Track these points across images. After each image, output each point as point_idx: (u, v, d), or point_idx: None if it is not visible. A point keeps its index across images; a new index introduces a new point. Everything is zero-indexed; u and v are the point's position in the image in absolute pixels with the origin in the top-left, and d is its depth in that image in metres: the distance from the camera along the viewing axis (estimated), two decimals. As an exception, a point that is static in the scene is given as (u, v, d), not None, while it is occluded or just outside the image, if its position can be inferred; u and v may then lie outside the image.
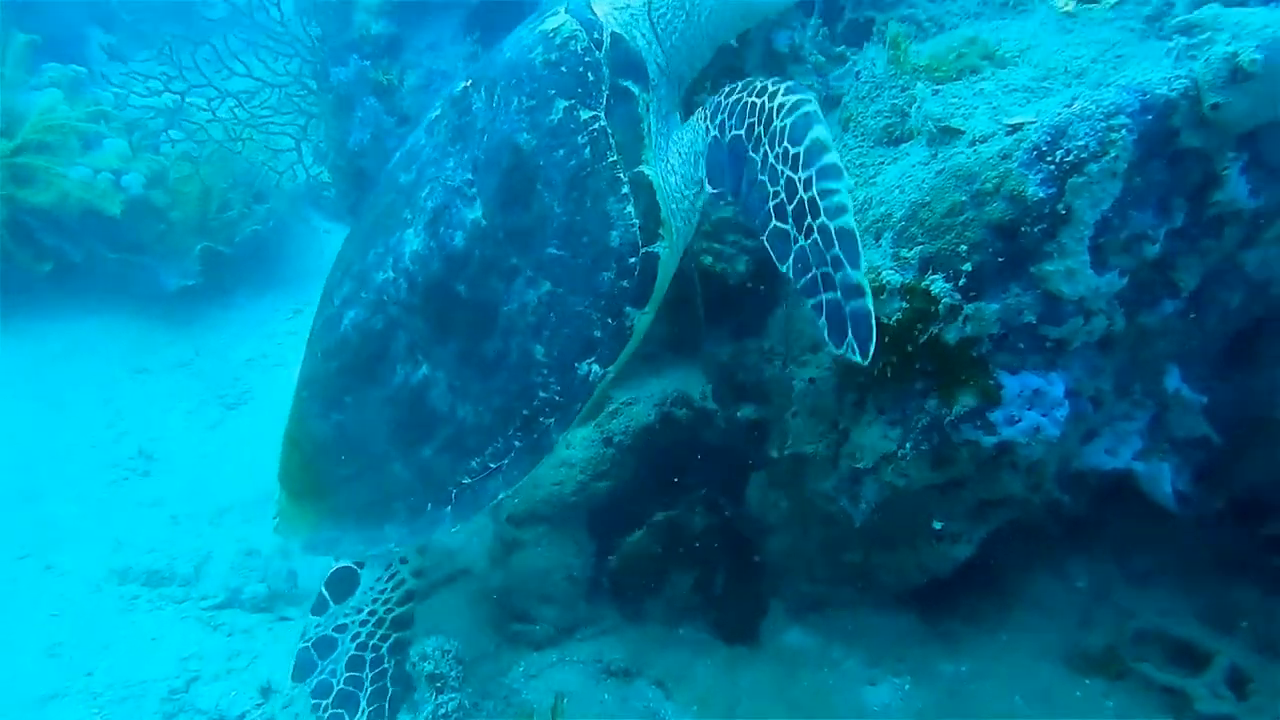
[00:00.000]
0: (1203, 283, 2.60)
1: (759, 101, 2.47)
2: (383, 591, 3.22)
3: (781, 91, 2.42)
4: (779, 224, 2.38)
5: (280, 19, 5.43)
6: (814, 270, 2.30)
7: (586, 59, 2.66)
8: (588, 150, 2.60)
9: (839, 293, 2.23)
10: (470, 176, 2.71)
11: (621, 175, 2.59)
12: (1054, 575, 3.39)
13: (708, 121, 2.63)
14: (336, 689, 3.16)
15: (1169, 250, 2.44)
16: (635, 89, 2.68)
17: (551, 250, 2.61)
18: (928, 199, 2.47)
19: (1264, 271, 2.67)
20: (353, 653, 3.20)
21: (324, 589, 3.22)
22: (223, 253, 6.11)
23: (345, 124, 4.96)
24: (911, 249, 2.45)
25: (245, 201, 6.26)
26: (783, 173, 2.36)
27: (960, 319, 2.39)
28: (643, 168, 2.60)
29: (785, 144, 2.38)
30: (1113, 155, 2.21)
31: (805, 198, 2.31)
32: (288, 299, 6.31)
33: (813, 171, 2.30)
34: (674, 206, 2.63)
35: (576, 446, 3.46)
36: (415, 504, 2.87)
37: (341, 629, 3.21)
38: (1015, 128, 2.44)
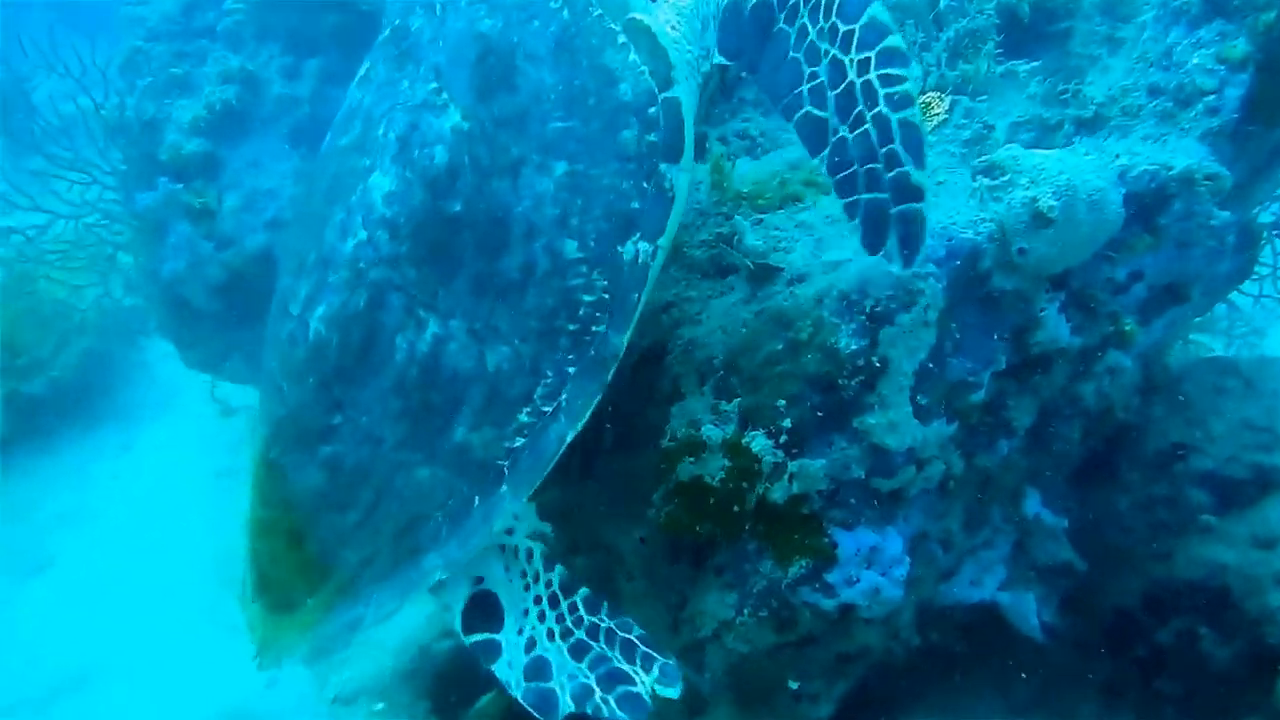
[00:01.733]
0: (1040, 417, 2.52)
1: None
2: (524, 575, 2.46)
3: None
4: (815, 110, 2.14)
5: (71, 146, 5.16)
6: (857, 166, 2.07)
7: None
8: (565, 11, 2.29)
9: (888, 193, 2.01)
10: (434, 85, 2.33)
11: (613, 25, 2.27)
12: (932, 716, 3.21)
13: None
14: (595, 676, 2.30)
15: (998, 391, 2.35)
16: None
17: (555, 124, 2.24)
18: (747, 345, 2.34)
19: (1102, 402, 2.61)
20: (567, 644, 2.38)
21: (468, 641, 2.41)
22: (32, 395, 5.64)
23: (158, 252, 4.61)
24: (731, 400, 2.30)
25: (56, 339, 5.83)
26: (827, 53, 2.13)
27: (785, 477, 2.23)
28: (633, 13, 2.28)
29: (834, 19, 2.14)
30: (922, 305, 2.12)
31: (858, 82, 2.08)
32: (116, 435, 5.88)
33: (872, 54, 2.07)
34: (679, 58, 2.28)
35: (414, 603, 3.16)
36: (456, 507, 2.29)
37: (531, 645, 2.40)
38: (832, 266, 2.34)
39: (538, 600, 2.44)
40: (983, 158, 2.32)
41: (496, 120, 2.26)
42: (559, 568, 2.45)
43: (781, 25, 2.23)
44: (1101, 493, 3.20)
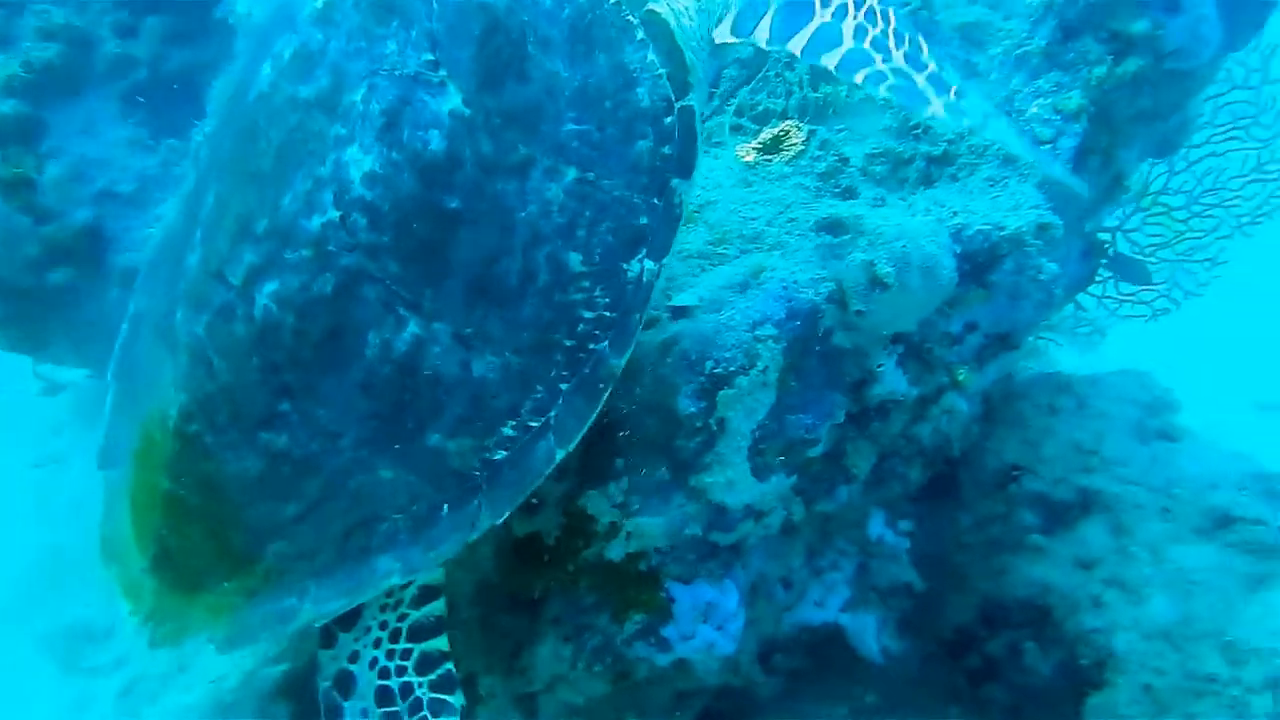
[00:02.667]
0: (880, 459, 2.55)
1: None
2: (390, 595, 2.34)
3: None
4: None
5: None
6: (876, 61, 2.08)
7: None
8: None
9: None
10: (430, 57, 2.06)
11: (631, 16, 2.10)
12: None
13: None
14: None
15: (837, 440, 2.35)
16: None
17: (569, 125, 2.07)
18: None
19: (937, 439, 2.66)
20: (377, 683, 2.35)
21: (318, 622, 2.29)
22: None
23: (-42, 229, 4.10)
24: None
25: None
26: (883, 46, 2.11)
27: (623, 535, 2.19)
28: (651, 4, 2.12)
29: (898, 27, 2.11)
30: (761, 367, 2.09)
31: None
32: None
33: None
34: (695, 60, 2.17)
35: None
36: (421, 513, 2.12)
37: (355, 658, 2.37)
38: (678, 312, 2.29)
39: (383, 626, 2.36)
40: (829, 212, 2.30)
41: (504, 113, 2.05)
42: (429, 609, 2.32)
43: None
44: (946, 510, 3.31)
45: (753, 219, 2.57)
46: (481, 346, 2.07)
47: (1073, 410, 3.34)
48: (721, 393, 2.09)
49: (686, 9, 2.20)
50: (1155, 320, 4.76)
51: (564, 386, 2.09)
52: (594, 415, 2.10)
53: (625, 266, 2.09)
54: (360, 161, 2.05)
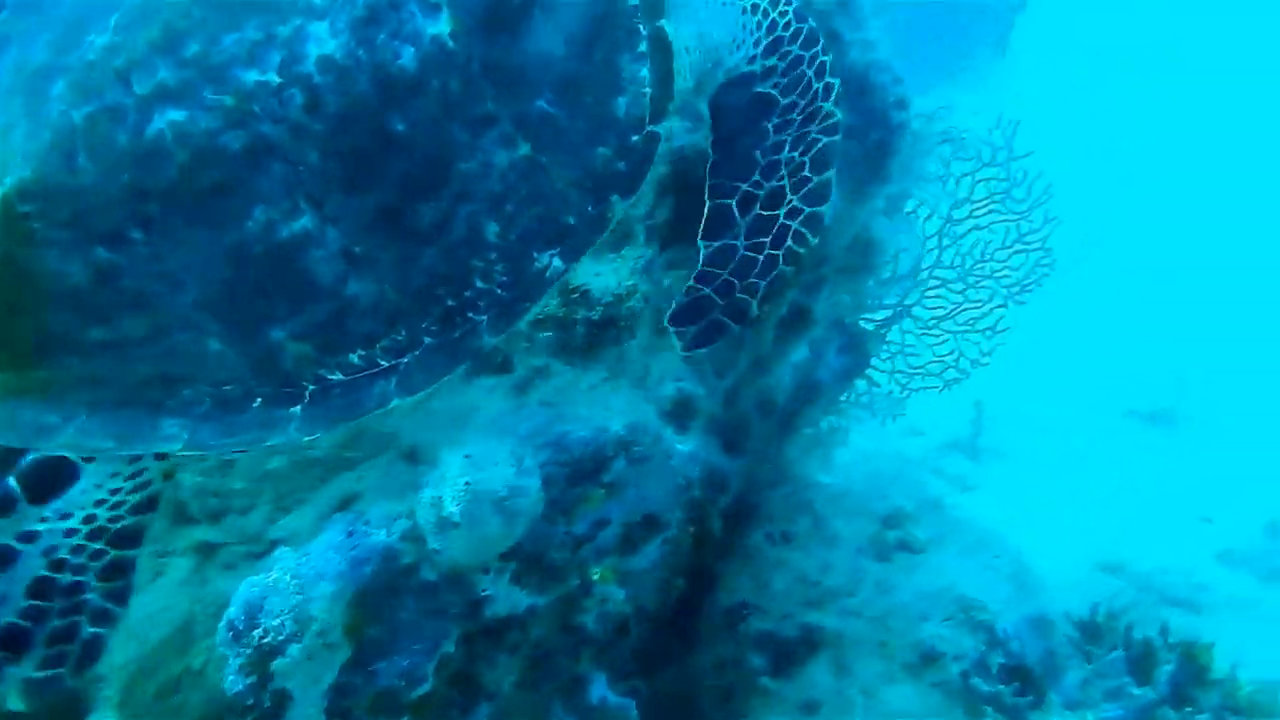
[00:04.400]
0: (543, 655, 2.47)
1: (809, 76, 2.33)
2: (115, 492, 2.15)
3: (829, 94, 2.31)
4: (730, 205, 2.31)
5: None
6: (725, 273, 2.30)
7: None
8: None
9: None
10: None
11: (641, 27, 2.10)
12: None
13: (758, 31, 2.34)
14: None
15: (465, 657, 2.26)
16: None
17: (542, 104, 2.06)
18: (149, 664, 2.15)
19: (606, 622, 2.59)
20: (41, 573, 2.12)
21: (12, 479, 2.12)
22: None
23: None
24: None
25: None
26: (780, 177, 2.32)
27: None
28: (664, 23, 2.13)
29: (805, 158, 2.31)
30: (317, 629, 1.99)
31: (781, 223, 2.31)
32: None
33: (798, 202, 2.29)
34: (681, 88, 2.23)
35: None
36: (233, 396, 2.00)
37: (31, 537, 2.12)
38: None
39: (89, 520, 2.15)
40: (412, 441, 2.22)
41: (486, 62, 2.01)
42: (144, 518, 2.16)
43: (768, 125, 2.32)
44: (683, 654, 3.24)
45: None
46: (365, 269, 2.00)
47: (807, 534, 3.30)
48: (275, 662, 2.00)
49: (689, 42, 2.24)
50: (949, 389, 4.76)
51: (428, 340, 2.06)
52: (443, 379, 2.06)
53: (536, 255, 2.10)
54: (323, 42, 1.96)
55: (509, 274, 2.09)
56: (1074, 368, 8.63)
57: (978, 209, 4.33)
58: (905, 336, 4.49)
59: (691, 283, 2.38)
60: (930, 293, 4.43)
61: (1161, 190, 12.91)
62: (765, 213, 2.32)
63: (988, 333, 4.51)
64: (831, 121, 2.31)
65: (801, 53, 2.37)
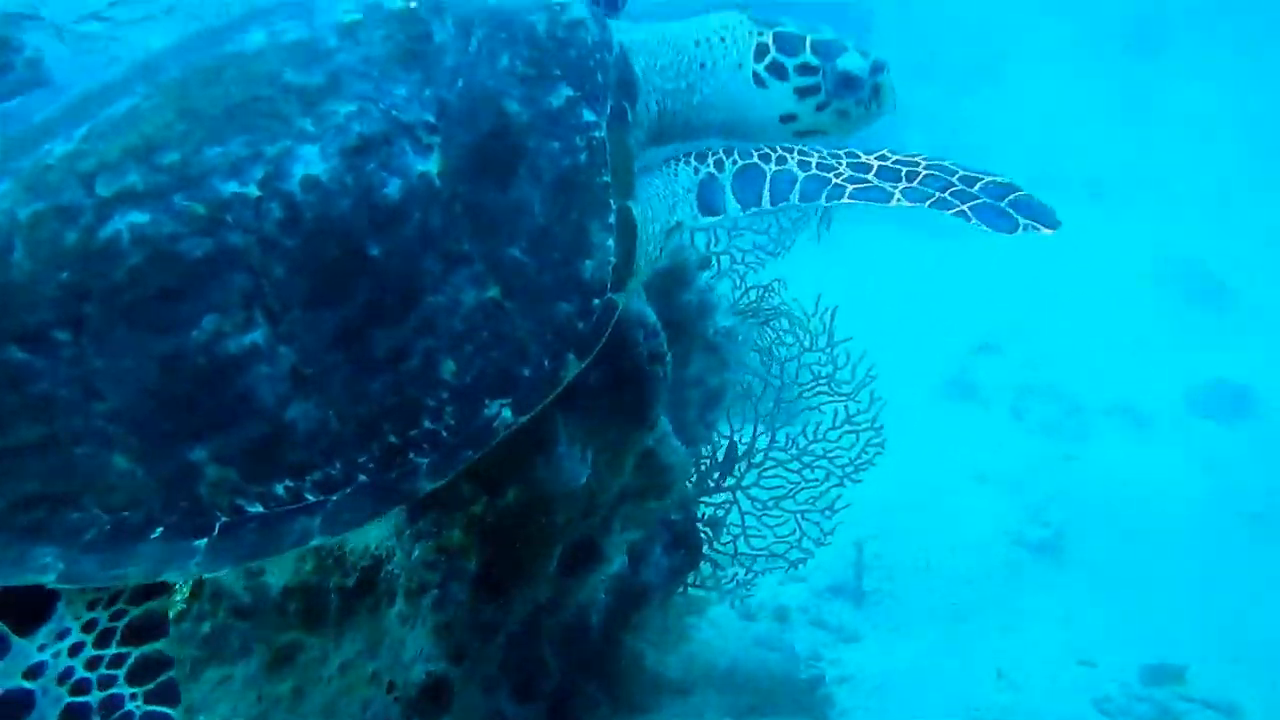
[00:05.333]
0: None
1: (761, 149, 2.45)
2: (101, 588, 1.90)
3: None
4: (861, 180, 2.33)
5: None
6: (936, 193, 2.29)
7: (597, 55, 2.30)
8: (584, 157, 2.20)
9: (985, 197, 2.29)
10: (432, 120, 2.06)
11: (611, 201, 2.21)
12: None
13: (694, 163, 2.46)
14: None
15: None
16: (629, 116, 2.35)
17: (516, 252, 2.08)
18: None
19: None
20: (67, 701, 1.87)
21: None
22: None
23: None
24: None
25: None
26: (840, 159, 2.41)
27: None
28: (631, 203, 2.25)
29: (830, 152, 2.42)
30: None
31: (888, 162, 2.39)
32: None
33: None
34: (643, 264, 2.31)
35: None
36: (133, 523, 1.83)
37: (37, 671, 1.86)
38: None
39: (89, 627, 1.94)
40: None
41: (469, 203, 2.05)
42: (155, 604, 1.96)
43: (775, 168, 2.43)
44: None
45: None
46: (311, 391, 1.91)
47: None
48: None
49: (652, 215, 2.35)
50: (795, 569, 4.69)
51: (362, 478, 1.95)
52: (370, 522, 1.96)
53: (487, 402, 2.04)
54: (311, 163, 1.96)
55: (456, 417, 2.02)
56: (959, 495, 8.70)
57: (806, 390, 4.35)
58: (746, 519, 4.43)
59: None
60: (767, 474, 4.40)
61: (1049, 308, 13.46)
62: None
63: (827, 512, 4.48)
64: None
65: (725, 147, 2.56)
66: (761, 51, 2.62)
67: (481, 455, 2.06)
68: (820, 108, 2.65)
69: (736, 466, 4.33)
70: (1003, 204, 2.31)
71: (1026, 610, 7.34)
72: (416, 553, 2.37)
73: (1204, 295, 13.67)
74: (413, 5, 2.21)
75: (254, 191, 1.93)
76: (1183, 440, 10.24)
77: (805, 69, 2.60)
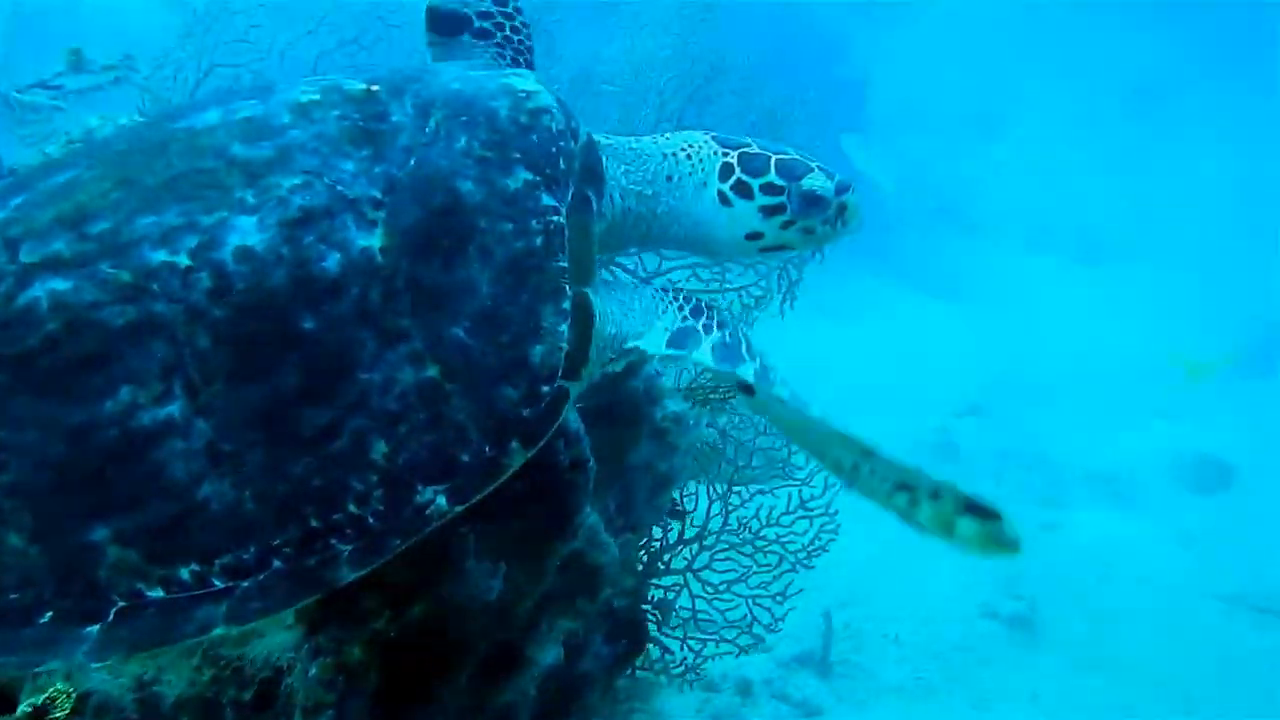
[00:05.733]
0: None
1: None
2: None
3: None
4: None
5: None
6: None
7: (560, 143, 2.27)
8: (539, 240, 2.13)
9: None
10: (379, 195, 2.00)
11: (567, 287, 2.13)
12: None
13: (685, 312, 2.40)
14: None
15: None
16: (593, 204, 2.32)
17: (458, 332, 1.97)
18: None
19: None
20: None
21: None
22: None
23: None
24: None
25: None
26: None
27: None
28: (589, 291, 2.17)
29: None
30: None
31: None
32: None
33: None
34: (596, 356, 2.22)
35: None
36: (20, 603, 1.70)
37: None
38: None
39: None
40: None
41: (411, 282, 1.96)
42: None
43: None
44: None
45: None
46: (227, 470, 1.79)
47: None
48: None
49: (612, 313, 2.31)
50: (746, 654, 4.61)
51: (277, 563, 1.81)
52: (282, 611, 1.85)
53: (419, 489, 1.90)
54: (247, 233, 1.88)
55: (386, 503, 1.88)
56: (934, 562, 8.62)
57: (760, 475, 4.31)
58: (696, 602, 4.36)
59: None
60: (719, 557, 4.34)
61: (1036, 372, 13.48)
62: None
63: (779, 598, 4.41)
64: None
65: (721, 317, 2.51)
66: (727, 171, 2.62)
67: (410, 545, 1.92)
68: (785, 225, 2.64)
69: (688, 549, 4.28)
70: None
71: (994, 688, 7.24)
72: (314, 671, 2.30)
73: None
74: (374, 88, 2.19)
75: (184, 260, 1.85)
76: (1162, 512, 10.19)
77: (770, 189, 2.59)
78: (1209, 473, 10.91)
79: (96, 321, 1.81)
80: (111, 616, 1.77)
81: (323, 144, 2.05)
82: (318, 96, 2.15)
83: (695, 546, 4.27)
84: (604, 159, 2.47)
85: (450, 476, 1.94)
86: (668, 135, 2.76)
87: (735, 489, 4.23)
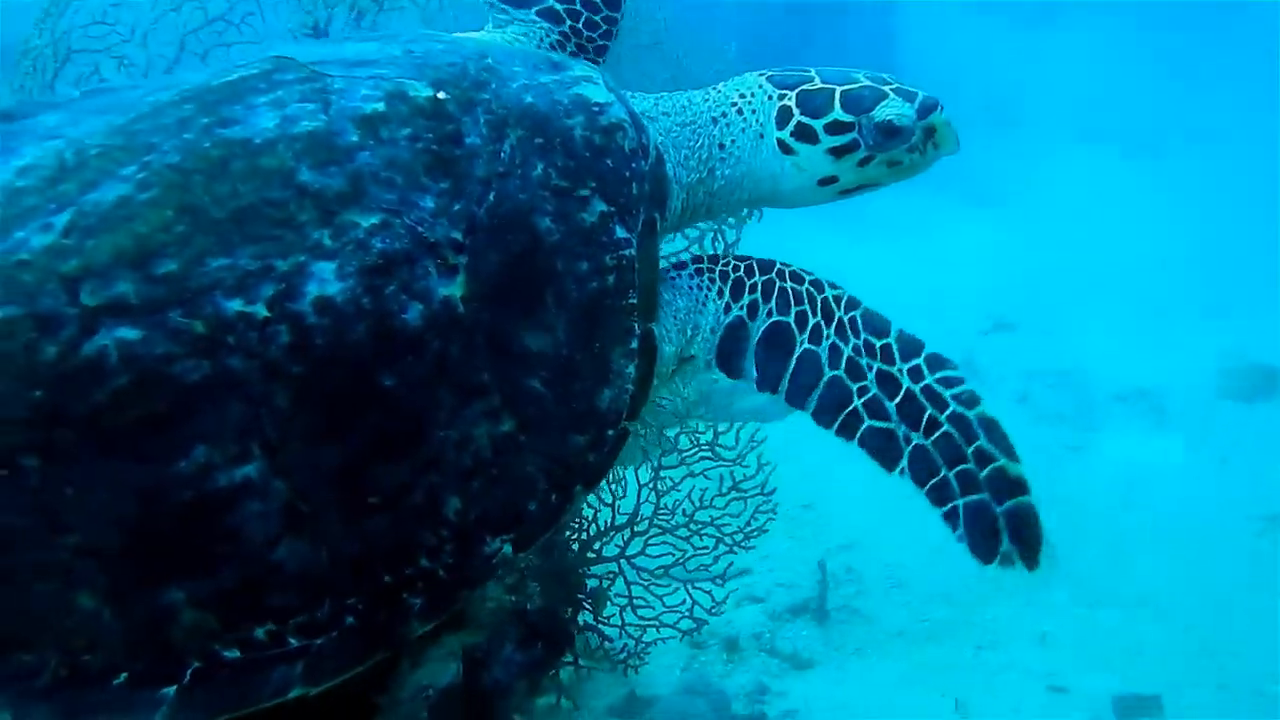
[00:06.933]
0: None
1: (804, 290, 2.32)
2: None
3: (827, 284, 2.35)
4: (878, 424, 2.19)
5: None
6: (944, 470, 2.15)
7: (633, 165, 2.20)
8: (612, 278, 2.10)
9: (987, 493, 2.08)
10: (460, 238, 1.93)
11: (635, 326, 2.11)
12: None
13: (725, 297, 2.33)
14: None
15: None
16: (658, 226, 2.24)
17: (534, 382, 1.97)
18: None
19: None
20: None
21: None
22: None
23: None
24: None
25: None
26: (871, 365, 2.23)
27: None
28: (655, 326, 2.16)
29: (866, 335, 2.26)
30: None
31: (916, 389, 2.18)
32: None
33: (920, 360, 2.21)
34: (652, 389, 2.23)
35: None
36: (94, 665, 1.66)
37: None
38: None
39: None
40: None
41: (491, 332, 1.92)
42: None
43: (807, 345, 2.26)
44: None
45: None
46: (305, 530, 1.75)
47: None
48: None
49: (672, 337, 2.28)
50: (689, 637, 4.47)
51: (350, 620, 1.80)
52: (357, 670, 1.80)
53: (488, 540, 1.91)
54: (327, 283, 1.79)
55: (456, 555, 1.88)
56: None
57: (689, 455, 4.09)
58: (633, 589, 4.21)
59: None
60: (653, 543, 4.17)
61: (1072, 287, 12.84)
62: (878, 390, 2.28)
63: (718, 580, 4.24)
64: (844, 299, 2.39)
65: (764, 279, 2.40)
66: (784, 116, 2.43)
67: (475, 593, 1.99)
68: (863, 163, 2.44)
69: (620, 535, 4.11)
70: (998, 514, 2.17)
71: (1003, 628, 6.99)
72: None
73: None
74: (441, 97, 2.05)
75: (261, 312, 1.75)
76: (1200, 428, 9.64)
77: (836, 127, 2.39)
78: (1254, 379, 10.26)
79: (170, 376, 1.71)
80: (188, 678, 1.72)
81: (397, 173, 1.93)
82: (383, 108, 2.00)
83: (627, 533, 4.10)
84: (667, 164, 2.37)
85: (517, 526, 1.95)
86: (720, 87, 2.57)
87: (663, 473, 4.02)
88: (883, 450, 2.22)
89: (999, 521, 2.13)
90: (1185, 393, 10.18)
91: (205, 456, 1.71)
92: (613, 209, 2.12)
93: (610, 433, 2.05)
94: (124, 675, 1.69)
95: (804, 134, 2.41)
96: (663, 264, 2.40)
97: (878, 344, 2.27)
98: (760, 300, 2.32)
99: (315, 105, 1.97)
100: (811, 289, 2.37)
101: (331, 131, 1.92)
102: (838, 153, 2.41)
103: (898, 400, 2.22)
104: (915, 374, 2.23)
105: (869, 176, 2.45)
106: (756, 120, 2.45)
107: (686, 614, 4.25)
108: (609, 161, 2.16)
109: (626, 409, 2.08)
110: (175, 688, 1.71)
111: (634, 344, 2.09)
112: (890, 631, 6.99)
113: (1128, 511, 8.24)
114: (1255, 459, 8.98)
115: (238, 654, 1.74)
